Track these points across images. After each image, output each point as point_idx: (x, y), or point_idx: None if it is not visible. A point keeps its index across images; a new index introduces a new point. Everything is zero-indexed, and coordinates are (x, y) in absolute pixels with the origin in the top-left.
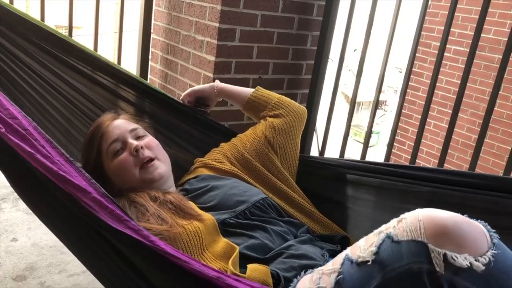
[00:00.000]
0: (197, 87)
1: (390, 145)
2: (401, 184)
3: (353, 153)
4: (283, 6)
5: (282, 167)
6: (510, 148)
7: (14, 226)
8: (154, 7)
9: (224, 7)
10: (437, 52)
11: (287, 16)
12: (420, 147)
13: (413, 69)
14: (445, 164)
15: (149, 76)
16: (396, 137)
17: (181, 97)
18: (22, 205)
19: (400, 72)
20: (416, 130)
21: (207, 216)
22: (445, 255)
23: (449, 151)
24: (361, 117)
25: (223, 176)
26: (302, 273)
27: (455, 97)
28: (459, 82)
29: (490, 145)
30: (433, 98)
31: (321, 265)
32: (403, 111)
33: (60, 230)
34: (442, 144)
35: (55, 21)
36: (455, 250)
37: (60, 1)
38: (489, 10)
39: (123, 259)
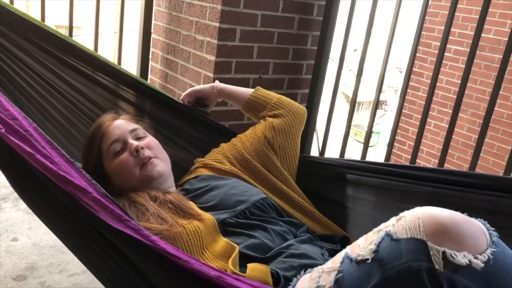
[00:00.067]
0: (197, 87)
1: (390, 145)
2: (401, 184)
3: (353, 153)
4: (284, 6)
5: (282, 167)
6: (510, 148)
7: (15, 226)
8: (154, 7)
9: (224, 7)
10: (437, 52)
11: (288, 16)
12: (420, 147)
13: (413, 69)
14: (445, 164)
15: (149, 76)
16: (396, 137)
17: (181, 97)
18: (23, 205)
19: (401, 72)
20: (417, 130)
21: (207, 215)
22: (444, 252)
23: (449, 151)
24: (361, 117)
25: (223, 176)
26: (302, 272)
27: (456, 97)
28: (460, 82)
29: (491, 145)
30: (434, 98)
31: (321, 264)
32: (403, 111)
33: (60, 230)
34: (443, 144)
35: (55, 21)
36: (454, 248)
37: (61, 1)
38: (489, 10)
39: (123, 258)
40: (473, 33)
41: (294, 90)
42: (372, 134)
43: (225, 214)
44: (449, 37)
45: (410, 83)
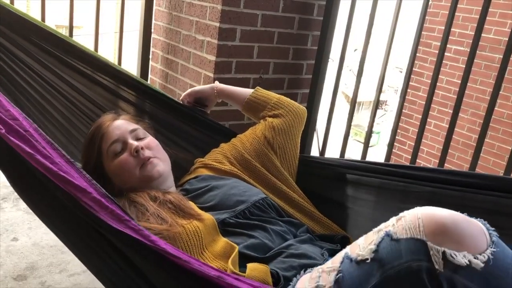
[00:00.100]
0: (197, 87)
1: (391, 145)
2: (402, 184)
3: (354, 153)
4: (284, 6)
5: (282, 167)
6: (510, 148)
7: (15, 226)
8: (154, 7)
9: (224, 7)
10: (437, 52)
11: (288, 16)
12: (421, 147)
13: (413, 69)
14: (445, 164)
15: (149, 75)
16: (396, 137)
17: (180, 98)
18: (23, 204)
19: (401, 72)
20: (417, 130)
21: (207, 216)
22: (444, 253)
23: (449, 151)
24: (362, 117)
25: (223, 176)
26: (302, 272)
27: (456, 97)
28: (460, 82)
29: (491, 145)
30: (434, 98)
31: (320, 264)
32: (403, 111)
33: (60, 230)
34: (443, 144)
35: (55, 21)
36: (454, 248)
37: (61, 1)
38: (489, 10)
39: (123, 258)
40: (473, 33)
41: (294, 90)
42: (372, 134)
43: (225, 214)
44: (449, 37)
45: (410, 83)
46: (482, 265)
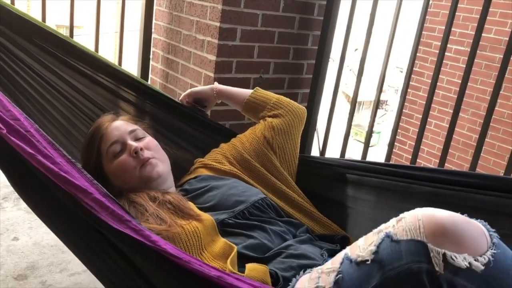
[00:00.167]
0: (196, 88)
1: (391, 145)
2: (402, 184)
3: (354, 152)
4: (284, 5)
5: (281, 167)
6: (511, 148)
7: (16, 225)
8: (155, 7)
9: (225, 7)
10: (438, 51)
11: (288, 16)
12: (421, 147)
13: (414, 68)
14: (446, 164)
15: (150, 75)
16: (397, 136)
17: (180, 98)
18: (23, 204)
19: (401, 71)
20: (417, 130)
21: (206, 216)
22: (444, 254)
23: (450, 151)
24: (362, 117)
25: (223, 177)
26: (301, 272)
27: (456, 96)
28: (460, 81)
29: (491, 145)
30: (434, 98)
31: (320, 265)
32: (404, 110)
33: (60, 229)
34: (443, 144)
35: (56, 20)
36: (454, 250)
37: (61, 1)
38: (490, 9)
39: (123, 258)
40: (473, 33)
41: (294, 89)
42: (373, 134)
43: (224, 215)
44: (450, 37)
45: (410, 83)
46: (483, 267)
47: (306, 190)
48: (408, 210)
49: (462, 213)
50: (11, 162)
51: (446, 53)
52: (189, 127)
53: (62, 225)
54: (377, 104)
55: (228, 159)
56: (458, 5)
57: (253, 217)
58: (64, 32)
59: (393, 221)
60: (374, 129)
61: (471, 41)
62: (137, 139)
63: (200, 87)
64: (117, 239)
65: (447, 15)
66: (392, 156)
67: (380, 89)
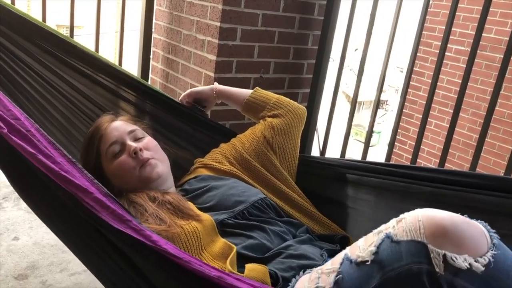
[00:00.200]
0: (196, 88)
1: (391, 145)
2: (402, 184)
3: (354, 152)
4: (284, 5)
5: (281, 167)
6: (511, 148)
7: (16, 225)
8: (155, 7)
9: (225, 7)
10: (438, 51)
11: (288, 16)
12: (421, 146)
13: (414, 68)
14: (446, 164)
15: (150, 75)
16: (397, 136)
17: (179, 98)
18: (24, 204)
19: (401, 71)
20: (417, 130)
21: (206, 216)
22: (444, 255)
23: (450, 150)
24: (362, 117)
25: (223, 177)
26: (301, 273)
27: (456, 96)
28: (460, 81)
29: (491, 144)
30: (434, 98)
31: (319, 265)
32: (404, 110)
33: (60, 229)
34: (443, 143)
35: (56, 20)
36: (454, 251)
37: (61, 1)
38: (490, 9)
39: (123, 258)
40: (474, 33)
41: (294, 89)
42: (373, 134)
43: (224, 215)
44: (450, 37)
45: (411, 82)
46: (483, 268)
47: (306, 190)
48: (408, 210)
49: (462, 214)
50: (12, 162)
51: (446, 53)
52: (189, 127)
53: (62, 225)
54: (377, 104)
55: (228, 159)
56: (459, 5)
57: (253, 217)
58: (64, 32)
59: (393, 221)
60: (374, 129)
61: (472, 41)
62: (137, 139)
63: (200, 87)
64: (117, 239)
65: (448, 15)
66: (392, 156)
67: (380, 89)
